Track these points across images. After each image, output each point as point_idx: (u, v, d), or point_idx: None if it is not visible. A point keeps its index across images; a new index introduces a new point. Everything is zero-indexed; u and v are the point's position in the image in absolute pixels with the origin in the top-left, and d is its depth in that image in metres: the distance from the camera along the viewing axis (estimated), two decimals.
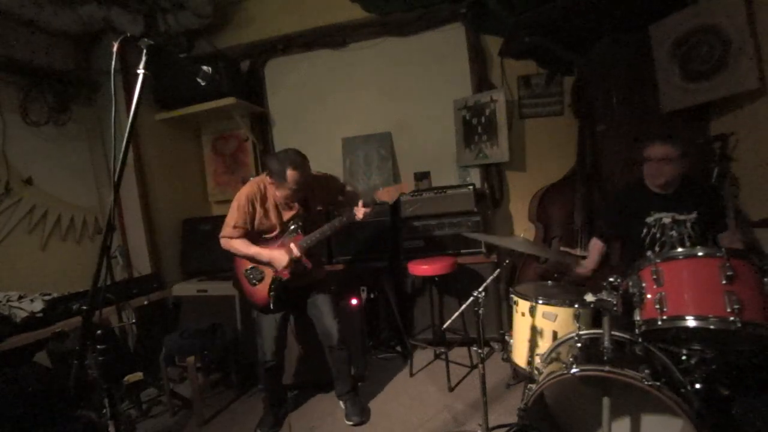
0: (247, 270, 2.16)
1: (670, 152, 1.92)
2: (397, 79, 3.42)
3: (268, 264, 2.09)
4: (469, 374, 2.58)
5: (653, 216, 2.01)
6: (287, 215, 2.16)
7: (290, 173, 1.97)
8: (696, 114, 2.48)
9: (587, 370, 1.36)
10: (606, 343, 1.40)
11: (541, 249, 2.31)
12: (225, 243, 2.14)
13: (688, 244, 1.91)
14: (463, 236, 2.91)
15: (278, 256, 2.06)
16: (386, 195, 2.22)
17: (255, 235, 2.14)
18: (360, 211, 2.12)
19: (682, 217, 1.94)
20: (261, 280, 2.13)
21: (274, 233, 2.15)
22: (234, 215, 2.09)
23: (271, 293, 2.11)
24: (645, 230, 2.03)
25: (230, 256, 2.19)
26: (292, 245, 2.09)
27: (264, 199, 2.13)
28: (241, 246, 2.10)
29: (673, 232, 1.95)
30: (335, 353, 2.23)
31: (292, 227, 2.14)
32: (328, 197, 2.32)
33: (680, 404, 1.23)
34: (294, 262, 2.08)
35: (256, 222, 2.12)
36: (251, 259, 2.13)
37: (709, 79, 2.27)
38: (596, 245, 2.24)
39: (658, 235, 1.99)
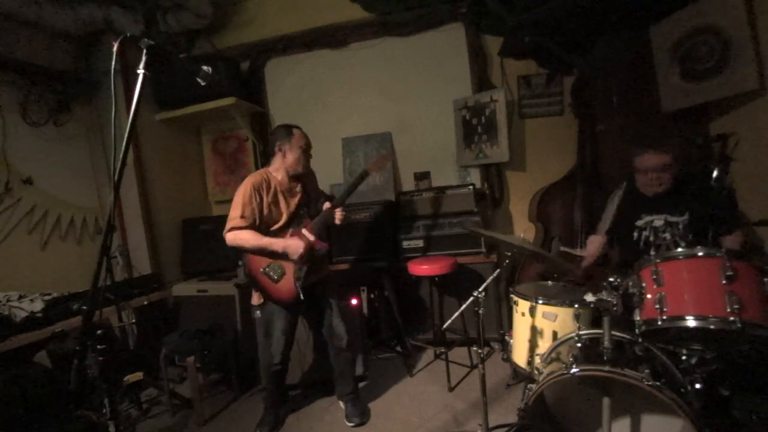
0: (265, 268, 2.05)
1: (666, 159, 1.90)
2: (397, 79, 3.42)
3: (283, 254, 2.02)
4: (469, 374, 2.58)
5: (644, 219, 2.00)
6: (293, 202, 2.13)
7: (296, 131, 2.13)
8: (696, 114, 2.48)
9: (587, 370, 1.36)
10: (606, 343, 1.40)
11: (541, 250, 2.32)
12: (232, 237, 1.98)
13: (682, 245, 1.90)
14: (463, 236, 2.91)
15: (293, 243, 2.01)
16: (374, 167, 2.29)
17: (262, 230, 2.06)
18: (337, 214, 2.17)
19: (674, 219, 1.93)
20: (283, 274, 2.06)
21: (281, 222, 2.08)
22: (240, 206, 1.98)
23: (298, 283, 2.04)
24: (636, 233, 2.03)
25: (231, 256, 2.17)
26: (304, 231, 2.08)
27: (269, 187, 2.07)
28: (251, 237, 1.97)
29: (666, 234, 1.94)
30: (342, 355, 2.22)
31: (301, 212, 2.13)
32: (316, 189, 2.35)
33: (680, 404, 1.23)
34: (309, 249, 2.06)
35: (265, 212, 2.03)
36: (263, 251, 2.01)
37: (709, 79, 2.27)
38: (598, 239, 2.22)
39: (651, 238, 1.98)
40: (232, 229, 1.98)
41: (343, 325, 2.19)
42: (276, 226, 2.08)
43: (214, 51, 3.59)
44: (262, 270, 2.06)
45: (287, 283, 2.06)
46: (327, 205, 2.19)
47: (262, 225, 2.05)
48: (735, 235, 1.90)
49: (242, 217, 1.97)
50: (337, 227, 2.27)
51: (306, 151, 2.15)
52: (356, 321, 2.63)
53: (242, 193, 2.00)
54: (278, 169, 2.13)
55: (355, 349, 2.43)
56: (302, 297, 2.04)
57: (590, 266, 2.18)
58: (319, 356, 2.46)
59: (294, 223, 2.11)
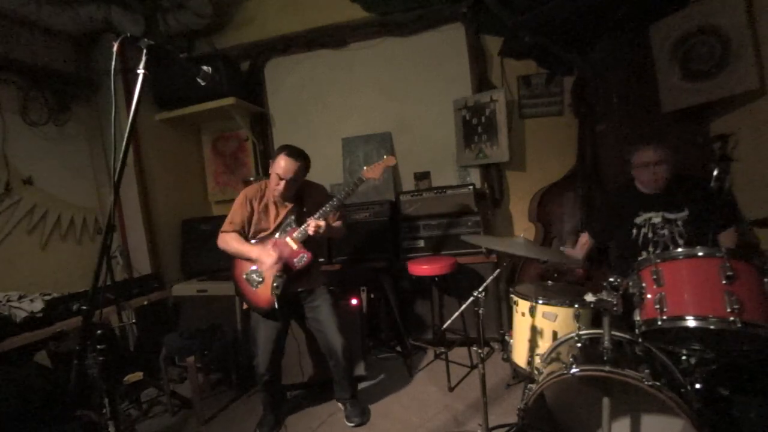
0: (247, 273, 2.12)
1: (663, 154, 1.93)
2: (397, 79, 3.42)
3: (256, 261, 2.09)
4: (469, 374, 2.57)
5: (642, 216, 2.02)
6: (283, 211, 2.17)
7: (279, 158, 2.06)
8: (696, 114, 2.48)
9: (587, 370, 1.36)
10: (606, 343, 1.40)
11: (540, 251, 2.30)
12: (220, 238, 2.18)
13: (680, 242, 1.92)
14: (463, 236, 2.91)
15: (264, 254, 2.05)
16: (372, 172, 2.23)
17: (252, 236, 2.18)
18: (311, 224, 2.05)
19: (672, 216, 1.95)
20: (262, 281, 2.09)
21: (270, 230, 2.16)
22: (231, 213, 2.18)
23: (276, 291, 2.04)
24: (635, 231, 2.04)
25: (230, 258, 2.18)
26: (288, 239, 2.10)
27: (262, 197, 2.19)
28: (233, 241, 2.13)
29: (665, 231, 1.96)
30: (339, 366, 2.20)
31: (287, 221, 2.15)
32: (317, 203, 2.28)
33: (680, 404, 1.23)
34: (285, 260, 2.07)
35: (254, 220, 2.16)
36: (240, 255, 2.13)
37: (709, 79, 2.27)
38: (583, 239, 2.27)
39: (649, 235, 2.00)
40: (222, 232, 2.18)
41: (340, 339, 2.15)
42: (264, 234, 2.17)
43: (214, 51, 3.59)
44: (244, 275, 2.14)
45: (265, 291, 2.08)
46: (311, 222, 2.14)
47: (253, 232, 2.17)
48: (730, 232, 1.91)
49: (230, 222, 2.17)
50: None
51: (281, 178, 2.05)
52: (355, 320, 2.63)
53: (236, 202, 2.20)
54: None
55: (354, 350, 2.42)
56: (277, 306, 2.04)
57: (579, 266, 2.20)
58: (318, 357, 2.45)
59: (281, 230, 2.15)
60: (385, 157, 2.31)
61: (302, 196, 2.21)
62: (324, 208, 2.11)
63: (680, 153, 1.99)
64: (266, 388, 2.19)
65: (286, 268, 2.08)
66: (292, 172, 2.05)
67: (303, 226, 2.08)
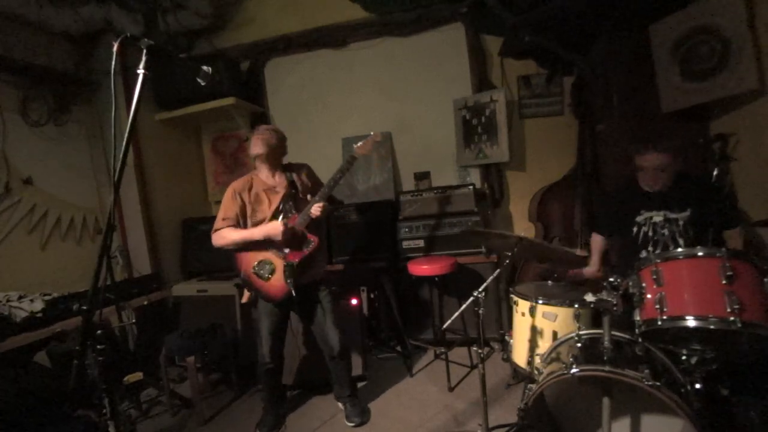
0: (255, 267, 2.10)
1: (663, 160, 1.90)
2: (397, 79, 3.42)
3: (266, 241, 2.06)
4: (469, 374, 2.57)
5: (643, 215, 2.01)
6: (276, 198, 2.15)
7: (252, 138, 2.14)
8: (696, 114, 2.48)
9: (587, 370, 1.36)
10: (606, 343, 1.40)
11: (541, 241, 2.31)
12: (215, 236, 2.13)
13: (681, 242, 1.91)
14: (463, 236, 2.91)
15: (271, 226, 2.05)
16: (363, 149, 2.25)
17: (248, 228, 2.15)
18: (314, 208, 2.07)
19: (673, 216, 1.94)
20: (273, 271, 2.08)
21: (267, 219, 2.13)
22: (222, 210, 2.14)
23: (288, 280, 2.04)
24: (636, 229, 2.03)
25: (231, 256, 2.16)
26: (290, 225, 2.09)
27: (251, 189, 2.16)
28: (231, 233, 2.09)
29: (665, 231, 1.95)
30: (336, 362, 2.22)
31: (286, 206, 2.13)
32: (314, 183, 2.29)
33: (680, 404, 1.23)
34: (292, 233, 2.06)
35: (249, 212, 2.14)
36: (246, 243, 2.09)
37: (709, 79, 2.27)
38: (596, 240, 2.24)
39: (650, 234, 1.99)
40: (216, 231, 2.13)
41: (337, 335, 2.17)
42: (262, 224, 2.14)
43: (214, 51, 3.59)
44: (252, 270, 2.12)
45: (278, 281, 2.08)
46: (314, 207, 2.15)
47: (251, 225, 2.14)
48: (737, 231, 1.90)
49: (223, 219, 2.13)
50: (337, 227, 2.26)
51: (267, 149, 2.11)
52: (355, 321, 2.63)
53: (225, 198, 2.17)
54: (260, 168, 2.20)
55: (353, 350, 2.42)
56: (294, 293, 2.04)
57: (594, 275, 2.16)
58: (318, 357, 2.45)
59: (279, 217, 2.13)
60: (371, 134, 2.31)
61: (292, 179, 2.20)
62: (323, 190, 2.11)
63: (681, 153, 1.98)
64: (268, 379, 2.20)
65: (294, 255, 2.07)
66: (264, 135, 2.13)
67: (305, 211, 2.08)
